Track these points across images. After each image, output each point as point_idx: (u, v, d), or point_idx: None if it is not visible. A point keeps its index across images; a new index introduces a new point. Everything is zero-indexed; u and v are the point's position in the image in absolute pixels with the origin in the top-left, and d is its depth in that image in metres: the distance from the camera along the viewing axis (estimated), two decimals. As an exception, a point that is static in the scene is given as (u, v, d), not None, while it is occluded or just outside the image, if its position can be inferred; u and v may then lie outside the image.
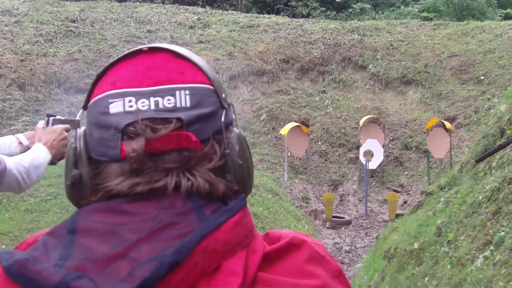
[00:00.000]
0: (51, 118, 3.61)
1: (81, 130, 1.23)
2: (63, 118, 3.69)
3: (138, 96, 1.16)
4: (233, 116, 1.27)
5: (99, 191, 1.16)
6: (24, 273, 1.02)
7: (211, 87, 1.22)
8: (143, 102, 1.15)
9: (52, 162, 3.49)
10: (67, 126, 3.63)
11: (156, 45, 1.23)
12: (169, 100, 1.15)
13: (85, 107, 1.24)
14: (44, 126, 3.56)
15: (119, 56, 1.25)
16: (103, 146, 1.17)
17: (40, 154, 3.40)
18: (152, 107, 1.15)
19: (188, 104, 1.16)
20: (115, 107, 1.16)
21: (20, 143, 3.55)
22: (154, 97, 1.15)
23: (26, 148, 3.52)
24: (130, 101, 1.15)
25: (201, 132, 1.16)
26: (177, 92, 1.16)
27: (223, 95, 1.24)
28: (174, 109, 1.15)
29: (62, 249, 1.06)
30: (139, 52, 1.23)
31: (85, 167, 1.20)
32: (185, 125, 1.14)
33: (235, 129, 1.25)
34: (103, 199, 1.15)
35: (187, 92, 1.17)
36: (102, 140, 1.17)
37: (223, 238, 1.07)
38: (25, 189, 3.32)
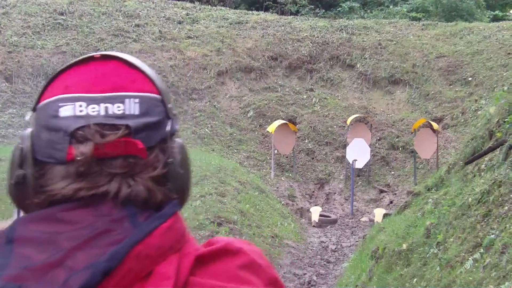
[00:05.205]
0: None
1: (28, 131, 1.24)
2: None
3: (89, 101, 1.18)
4: (177, 126, 1.29)
5: (43, 194, 1.17)
6: None
7: (159, 96, 1.25)
8: (93, 108, 1.18)
9: None
10: None
11: (108, 53, 1.27)
12: (118, 107, 1.18)
13: (34, 109, 1.25)
14: None
15: (71, 61, 1.27)
16: (50, 148, 1.18)
17: None
18: (102, 113, 1.17)
19: (136, 112, 1.19)
20: (66, 111, 1.18)
21: None
22: (105, 103, 1.18)
23: None
24: (80, 105, 1.18)
25: (147, 140, 1.19)
26: (127, 100, 1.19)
27: (170, 105, 1.27)
28: (123, 116, 1.18)
29: (1, 259, 1.07)
30: (91, 59, 1.26)
31: (29, 168, 1.20)
32: (132, 132, 1.17)
33: (178, 139, 1.27)
34: (46, 202, 1.16)
35: (136, 100, 1.20)
36: (49, 142, 1.18)
37: (156, 243, 1.10)
38: None
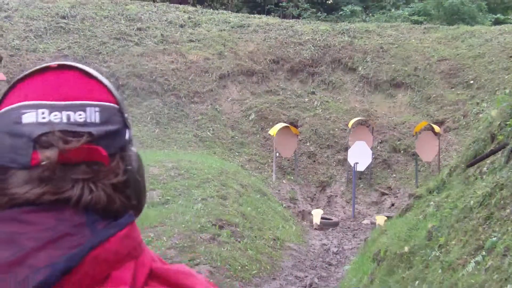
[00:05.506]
0: None
1: None
2: None
3: (51, 108, 1.20)
4: (132, 135, 1.32)
5: (4, 196, 1.19)
6: None
7: (117, 106, 1.28)
8: (55, 115, 1.19)
9: None
10: None
11: (65, 63, 1.29)
12: (80, 115, 1.21)
13: None
14: None
15: (29, 71, 1.29)
16: (13, 153, 1.19)
17: None
18: (64, 120, 1.19)
19: (97, 120, 1.22)
20: (28, 117, 1.20)
21: None
22: (66, 111, 1.20)
23: None
24: (43, 113, 1.20)
25: (108, 148, 1.22)
26: (88, 108, 1.22)
27: (126, 114, 1.31)
28: (85, 124, 1.20)
29: None
30: (47, 68, 1.27)
31: None
32: (95, 139, 1.20)
33: (133, 148, 1.31)
34: (8, 205, 1.18)
35: (97, 109, 1.23)
36: (13, 148, 1.19)
37: (113, 248, 1.14)
38: None
